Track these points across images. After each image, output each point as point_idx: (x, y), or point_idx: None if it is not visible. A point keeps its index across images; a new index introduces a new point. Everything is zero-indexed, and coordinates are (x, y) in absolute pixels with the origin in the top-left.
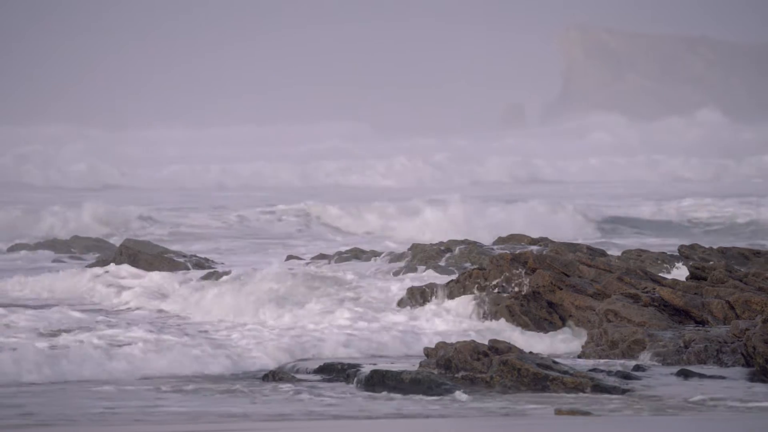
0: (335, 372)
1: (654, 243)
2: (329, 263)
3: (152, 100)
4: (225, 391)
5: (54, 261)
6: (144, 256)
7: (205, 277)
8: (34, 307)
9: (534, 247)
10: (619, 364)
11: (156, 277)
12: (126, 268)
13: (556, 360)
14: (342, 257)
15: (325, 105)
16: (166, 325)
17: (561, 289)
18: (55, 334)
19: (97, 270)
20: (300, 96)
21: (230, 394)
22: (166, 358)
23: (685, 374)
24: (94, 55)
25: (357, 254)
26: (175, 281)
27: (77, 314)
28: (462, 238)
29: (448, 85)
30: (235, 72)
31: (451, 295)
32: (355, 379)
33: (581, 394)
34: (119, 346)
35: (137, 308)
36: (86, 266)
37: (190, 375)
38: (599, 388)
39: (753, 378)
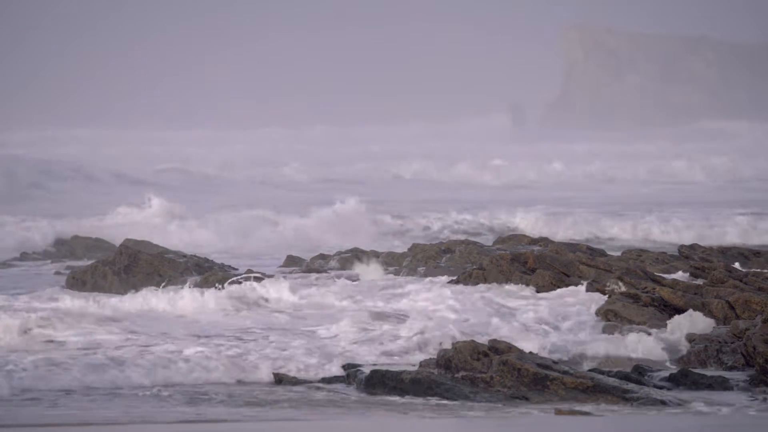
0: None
1: None
2: (329, 263)
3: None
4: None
5: (54, 262)
6: (144, 256)
7: None
8: None
9: (534, 247)
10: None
11: None
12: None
13: (556, 360)
14: (342, 257)
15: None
16: None
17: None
18: None
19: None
20: (295, 99)
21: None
22: None
23: (685, 374)
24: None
25: (357, 254)
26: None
27: None
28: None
29: (447, 85)
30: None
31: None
32: (355, 380)
33: (581, 395)
34: None
35: None
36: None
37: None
38: (599, 388)
39: (753, 378)
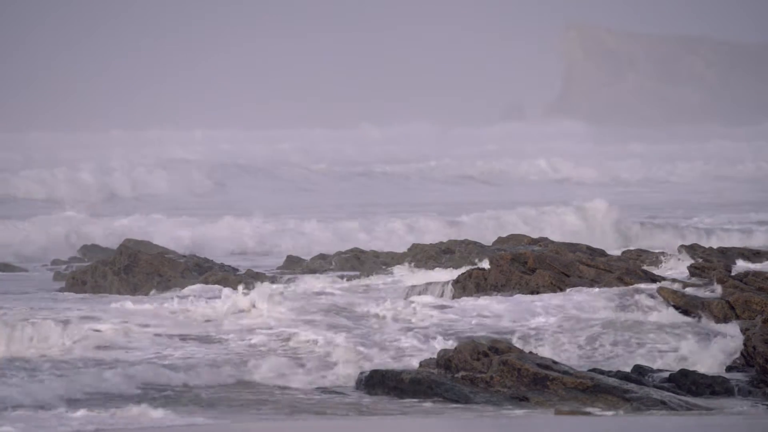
0: None
1: None
2: (332, 264)
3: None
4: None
5: (50, 265)
6: (144, 256)
7: None
8: None
9: (534, 247)
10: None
11: None
12: None
13: (556, 360)
14: (342, 258)
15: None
16: None
17: (561, 289)
18: None
19: None
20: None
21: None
22: None
23: (685, 374)
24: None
25: (357, 254)
26: None
27: None
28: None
29: (447, 85)
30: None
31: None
32: (356, 379)
33: (581, 395)
34: None
35: None
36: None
37: None
38: (599, 388)
39: (753, 378)
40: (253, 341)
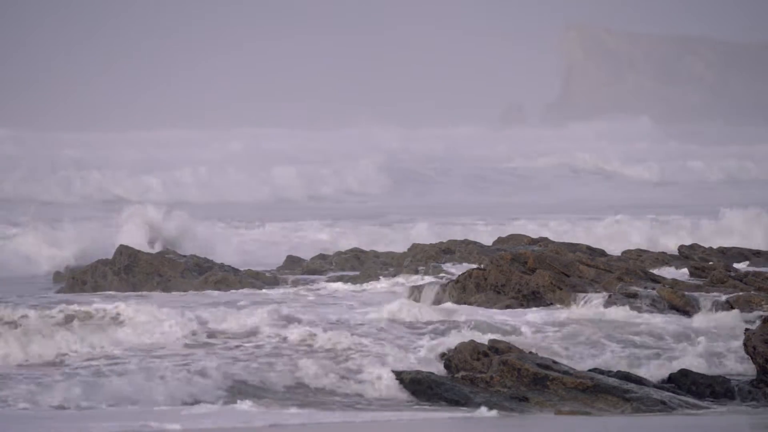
0: None
1: None
2: (332, 264)
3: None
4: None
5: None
6: (144, 255)
7: None
8: None
9: (534, 247)
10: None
11: None
12: None
13: (557, 360)
14: (342, 257)
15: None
16: None
17: (561, 289)
18: None
19: None
20: (302, 97)
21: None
22: None
23: (685, 374)
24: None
25: (357, 254)
26: None
27: None
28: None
29: (447, 86)
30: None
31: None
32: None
33: (581, 395)
34: None
35: None
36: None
37: None
38: (599, 388)
39: (753, 378)
40: (255, 342)
